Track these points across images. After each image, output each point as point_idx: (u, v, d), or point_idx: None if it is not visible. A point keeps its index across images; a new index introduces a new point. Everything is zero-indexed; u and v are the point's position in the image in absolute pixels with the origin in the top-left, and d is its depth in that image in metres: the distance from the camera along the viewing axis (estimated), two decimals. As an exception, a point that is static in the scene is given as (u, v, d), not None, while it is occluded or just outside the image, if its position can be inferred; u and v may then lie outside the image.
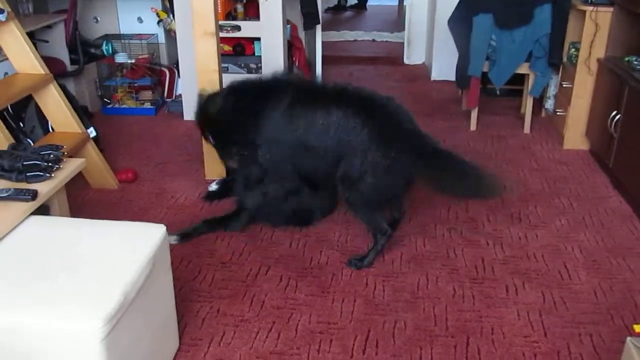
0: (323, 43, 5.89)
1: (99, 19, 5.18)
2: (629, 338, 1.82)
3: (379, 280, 2.77)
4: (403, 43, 6.81)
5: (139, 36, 5.10)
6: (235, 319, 2.51)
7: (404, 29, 6.83)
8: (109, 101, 5.06)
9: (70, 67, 4.70)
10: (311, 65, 5.87)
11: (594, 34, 3.96)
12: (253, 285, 2.73)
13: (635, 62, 3.61)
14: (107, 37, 5.06)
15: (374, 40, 7.85)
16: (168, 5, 4.99)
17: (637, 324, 2.27)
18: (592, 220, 3.31)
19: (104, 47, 4.94)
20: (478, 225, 3.25)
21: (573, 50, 4.24)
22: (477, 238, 3.12)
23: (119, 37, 5.10)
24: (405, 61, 6.72)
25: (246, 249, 3.01)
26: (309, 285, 2.73)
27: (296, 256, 2.96)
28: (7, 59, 3.37)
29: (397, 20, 8.91)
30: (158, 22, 5.12)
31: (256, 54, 4.83)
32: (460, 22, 4.53)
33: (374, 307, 2.59)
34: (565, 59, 4.41)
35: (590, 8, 3.93)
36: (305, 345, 2.36)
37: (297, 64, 5.53)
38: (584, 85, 4.11)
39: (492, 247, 3.05)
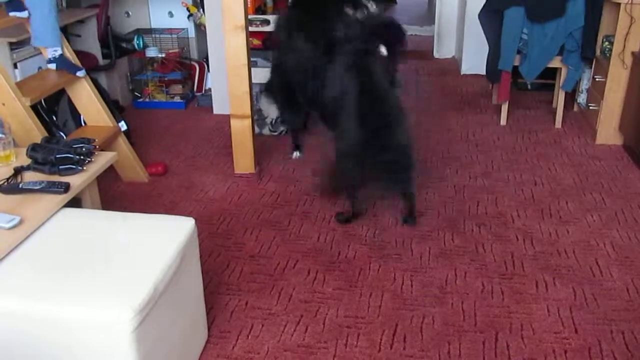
0: (352, 37, 5.85)
1: (130, 13, 5.23)
2: (662, 336, 1.79)
3: (407, 275, 2.76)
4: (433, 37, 6.75)
5: (170, 30, 5.14)
6: (263, 312, 2.52)
7: (433, 23, 6.78)
8: (139, 95, 5.12)
9: (102, 62, 4.76)
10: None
11: (628, 26, 3.88)
12: (281, 279, 2.74)
13: (672, 55, 3.53)
14: (139, 32, 5.11)
15: (403, 34, 7.79)
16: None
17: (670, 322, 2.23)
18: (625, 217, 3.25)
19: (135, 42, 4.99)
20: (507, 221, 3.21)
21: (607, 43, 4.16)
22: (507, 233, 3.09)
23: (150, 31, 5.15)
24: (435, 55, 6.67)
25: (274, 243, 3.02)
26: (336, 279, 2.73)
27: (324, 250, 2.96)
28: (40, 53, 3.44)
29: (427, 13, 8.84)
30: (188, 17, 5.16)
31: (285, 48, 4.83)
32: (491, 16, 4.47)
33: (402, 302, 2.58)
34: (598, 53, 4.33)
35: (625, 0, 3.85)
36: (332, 339, 2.37)
37: (325, 58, 5.52)
38: (617, 79, 4.03)
39: (522, 242, 3.01)
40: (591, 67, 4.45)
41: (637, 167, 3.81)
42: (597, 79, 4.30)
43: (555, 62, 4.37)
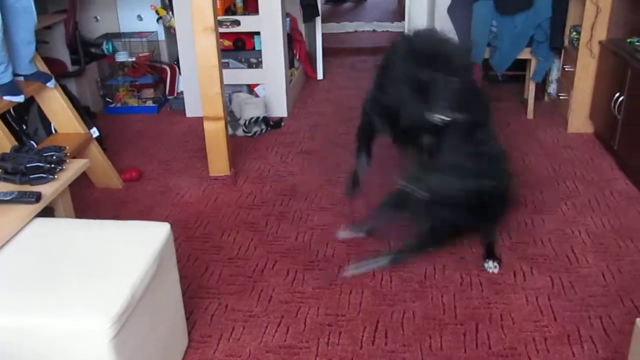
0: (323, 35, 5.87)
1: (98, 18, 5.17)
2: (638, 319, 1.81)
3: (386, 271, 2.76)
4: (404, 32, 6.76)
5: (139, 34, 5.10)
6: (243, 314, 2.51)
7: (404, 19, 6.79)
8: (111, 100, 5.06)
9: (71, 68, 4.70)
10: (312, 57, 5.85)
11: (595, 16, 3.93)
12: (260, 280, 2.73)
13: (638, 44, 3.58)
14: (108, 36, 5.06)
15: (374, 31, 7.81)
16: (167, 2, 4.98)
17: (647, 305, 2.26)
18: (599, 204, 3.29)
19: (104, 46, 4.94)
20: (484, 213, 3.23)
21: (574, 33, 4.21)
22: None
23: (119, 35, 5.10)
24: (407, 50, 6.67)
25: (252, 244, 3.01)
26: (316, 278, 2.73)
27: (302, 250, 2.96)
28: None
29: (397, 9, 8.86)
30: (158, 20, 5.12)
31: (256, 49, 4.82)
32: (460, 9, 4.51)
33: (382, 298, 2.59)
34: (566, 43, 4.38)
35: (591, -10, 3.90)
36: (314, 338, 2.36)
37: (297, 56, 5.53)
38: (586, 69, 4.08)
39: (499, 233, 3.03)
40: (560, 58, 4.50)
41: (608, 155, 3.87)
42: (566, 69, 4.36)
43: (525, 54, 4.41)
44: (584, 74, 4.10)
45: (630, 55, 3.53)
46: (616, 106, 3.61)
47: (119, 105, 5.04)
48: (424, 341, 2.33)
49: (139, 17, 5.20)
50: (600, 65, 4.01)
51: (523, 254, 2.86)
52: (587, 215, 3.18)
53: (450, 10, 4.70)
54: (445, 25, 5.24)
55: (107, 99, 5.06)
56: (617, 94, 3.60)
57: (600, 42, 3.97)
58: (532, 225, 3.10)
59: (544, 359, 2.23)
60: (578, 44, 4.08)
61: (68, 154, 2.50)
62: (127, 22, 5.23)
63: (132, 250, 1.97)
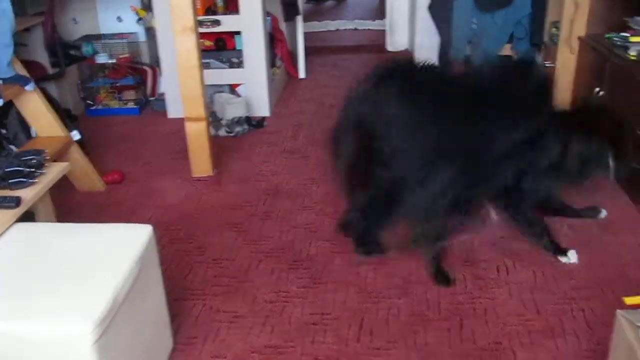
0: (305, 34, 5.86)
1: (77, 19, 5.12)
2: (618, 311, 1.82)
3: (370, 268, 2.77)
4: (385, 30, 6.79)
5: (120, 35, 5.06)
6: (229, 315, 2.50)
7: (385, 16, 6.81)
8: (92, 103, 5.02)
9: (51, 70, 4.65)
10: (294, 56, 5.85)
11: (574, 12, 3.96)
12: (245, 281, 2.72)
13: (616, 39, 3.61)
14: (87, 38, 5.01)
15: (356, 29, 7.82)
16: (147, 2, 4.95)
17: (627, 296, 2.28)
18: (581, 197, 3.31)
19: (84, 49, 4.90)
20: (467, 208, 3.25)
21: (554, 29, 4.25)
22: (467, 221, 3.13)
23: (99, 37, 5.06)
24: (389, 48, 6.70)
25: (236, 244, 3.00)
26: (300, 277, 2.73)
27: (286, 249, 2.95)
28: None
29: (379, 7, 8.88)
30: (138, 21, 5.09)
31: (238, 48, 4.81)
32: (441, 7, 4.53)
33: (367, 295, 2.59)
34: (546, 39, 4.41)
35: (569, -14, 3.93)
36: (299, 337, 2.36)
37: (279, 56, 5.52)
38: (566, 64, 4.11)
39: (482, 229, 3.05)
40: (540, 53, 4.53)
41: (589, 149, 3.89)
42: (546, 65, 4.39)
43: (506, 50, 4.44)
44: (564, 70, 4.13)
45: (608, 51, 3.56)
46: (596, 101, 3.64)
47: (100, 107, 5.00)
48: (409, 338, 2.34)
49: (119, 19, 5.16)
50: (580, 61, 4.04)
51: (506, 249, 2.88)
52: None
53: (431, 7, 4.72)
54: (427, 22, 5.29)
55: (88, 102, 5.02)
56: (597, 89, 3.63)
57: (579, 38, 4.00)
58: (515, 220, 3.12)
59: (528, 353, 2.25)
60: (558, 40, 4.12)
61: (48, 158, 2.48)
62: (107, 24, 5.19)
63: (114, 253, 1.96)
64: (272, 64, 5.15)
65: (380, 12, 8.20)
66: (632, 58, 3.33)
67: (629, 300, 2.24)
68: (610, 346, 1.90)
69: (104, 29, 5.18)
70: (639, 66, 3.22)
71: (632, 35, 3.46)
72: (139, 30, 5.15)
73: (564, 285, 2.60)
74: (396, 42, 6.66)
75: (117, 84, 5.00)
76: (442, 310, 2.48)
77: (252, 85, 4.76)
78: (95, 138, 4.37)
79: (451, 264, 2.78)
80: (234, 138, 4.34)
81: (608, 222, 3.07)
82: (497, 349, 2.27)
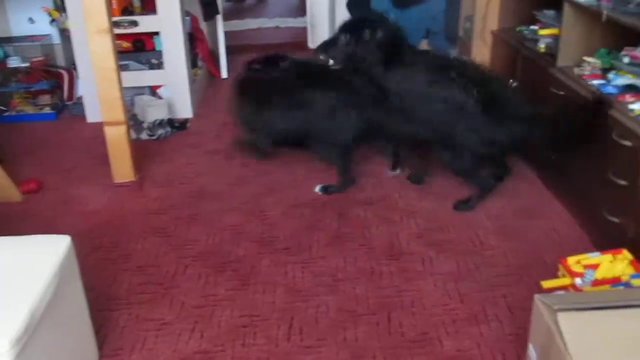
0: (226, 33, 5.81)
1: (-15, 22, 4.90)
2: (536, 295, 1.90)
3: (298, 267, 2.78)
4: (306, 27, 6.80)
5: (32, 38, 4.86)
6: (155, 323, 2.45)
7: (306, 14, 6.82)
8: (5, 109, 4.81)
9: (-42, 77, 4.44)
10: (215, 56, 5.78)
11: (486, 6, 4.08)
12: (172, 287, 2.68)
13: (526, 32, 3.75)
14: (-3, 41, 4.80)
15: (278, 27, 7.80)
16: (60, 3, 4.77)
17: (545, 280, 2.38)
18: (498, 187, 3.42)
19: (-6, 52, 4.70)
20: (391, 202, 3.31)
21: (468, 24, 4.37)
22: (391, 215, 3.19)
23: (10, 40, 4.85)
24: (310, 45, 6.70)
25: (162, 250, 2.95)
26: (228, 280, 2.71)
27: (213, 252, 2.92)
28: None
29: (300, 4, 8.88)
30: (51, 22, 4.90)
31: (157, 49, 4.71)
32: (359, 4, 4.57)
33: (296, 294, 2.60)
34: (461, 33, 4.53)
35: (481, -19, 4.05)
36: (229, 341, 2.34)
37: (200, 55, 5.44)
38: (481, 57, 4.23)
39: (406, 222, 3.12)
40: (456, 48, 4.65)
41: (506, 139, 4.03)
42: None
43: (423, 45, 4.52)
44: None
45: (519, 43, 3.69)
46: (510, 92, 3.77)
47: (14, 113, 4.79)
48: (339, 334, 2.36)
49: (31, 20, 4.95)
50: (493, 54, 4.18)
51: (430, 241, 2.95)
52: (488, 199, 3.30)
53: (349, 4, 4.76)
54: (346, 18, 5.32)
55: (1, 107, 4.81)
56: (511, 80, 3.76)
57: (492, 32, 4.13)
58: (437, 211, 3.20)
59: (454, 341, 2.31)
60: (472, 34, 4.24)
61: (-45, 170, 2.36)
62: (18, 25, 4.97)
63: (30, 266, 1.89)
64: (193, 64, 5.07)
65: (301, 10, 8.21)
66: (542, 50, 3.47)
67: (547, 284, 2.34)
68: (530, 329, 1.98)
69: (16, 31, 4.96)
70: (548, 58, 3.36)
71: (540, 28, 3.60)
72: (53, 32, 4.96)
73: (486, 274, 2.69)
74: (317, 39, 6.67)
75: (32, 89, 4.81)
76: (370, 305, 2.52)
77: (174, 86, 4.68)
78: (10, 146, 4.18)
79: (377, 258, 2.82)
80: (156, 141, 4.25)
81: (524, 208, 3.19)
82: (424, 340, 2.32)
